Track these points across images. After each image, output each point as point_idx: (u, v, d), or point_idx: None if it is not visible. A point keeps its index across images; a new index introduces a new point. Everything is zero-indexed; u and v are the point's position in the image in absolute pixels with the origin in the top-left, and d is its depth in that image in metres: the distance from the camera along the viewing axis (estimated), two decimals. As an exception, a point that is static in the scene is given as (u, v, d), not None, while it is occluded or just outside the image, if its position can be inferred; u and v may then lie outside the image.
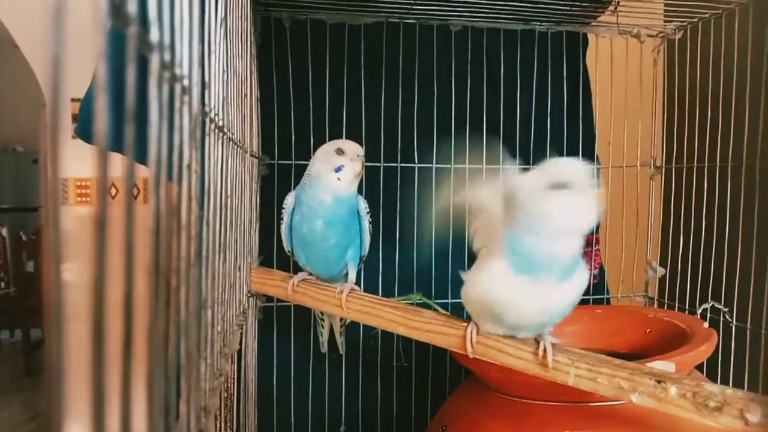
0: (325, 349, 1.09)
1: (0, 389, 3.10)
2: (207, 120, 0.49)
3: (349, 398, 1.23)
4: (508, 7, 1.13)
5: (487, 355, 0.69)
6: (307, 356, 1.22)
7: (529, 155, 1.28)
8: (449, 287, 1.26)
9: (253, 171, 0.96)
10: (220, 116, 0.56)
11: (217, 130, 0.54)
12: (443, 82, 1.24)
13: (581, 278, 0.64)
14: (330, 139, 0.96)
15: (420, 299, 1.13)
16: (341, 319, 1.05)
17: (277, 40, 1.18)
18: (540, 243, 0.61)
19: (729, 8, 1.12)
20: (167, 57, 0.29)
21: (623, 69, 1.24)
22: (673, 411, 0.57)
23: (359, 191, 0.91)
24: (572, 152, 1.29)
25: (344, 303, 0.82)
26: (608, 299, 1.34)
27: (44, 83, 0.20)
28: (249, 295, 0.90)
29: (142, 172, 0.31)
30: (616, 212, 1.29)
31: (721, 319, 1.12)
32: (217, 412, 0.57)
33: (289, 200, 0.89)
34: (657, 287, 1.30)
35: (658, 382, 0.58)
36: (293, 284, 0.87)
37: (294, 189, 0.92)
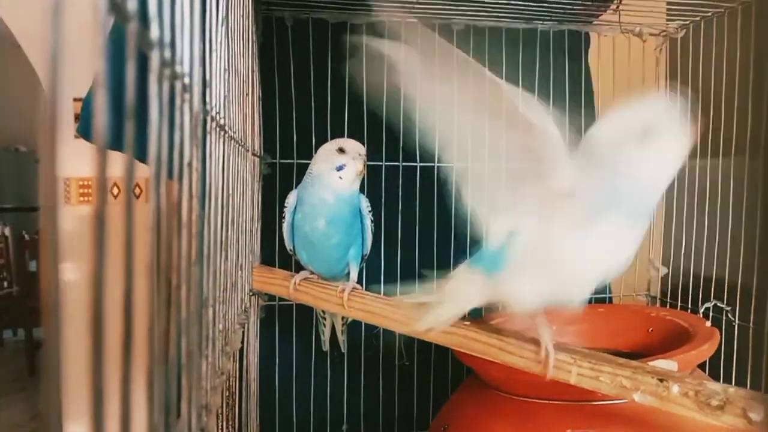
0: (326, 347, 1.09)
1: (2, 388, 3.10)
2: (208, 118, 0.49)
3: (351, 397, 1.23)
4: (511, 6, 1.13)
5: (488, 353, 0.69)
6: (309, 355, 1.22)
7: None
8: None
9: (254, 170, 0.96)
10: (222, 115, 0.56)
11: (218, 129, 0.54)
12: (445, 80, 1.24)
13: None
14: (332, 138, 0.96)
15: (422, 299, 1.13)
16: (343, 318, 1.05)
17: (279, 39, 1.18)
18: (641, 191, 0.60)
19: (732, 7, 1.12)
20: (167, 54, 0.29)
21: (625, 68, 1.23)
22: (676, 410, 0.57)
23: (361, 190, 0.91)
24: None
25: (346, 302, 0.82)
26: (610, 298, 1.34)
27: (45, 80, 0.20)
28: (251, 293, 0.90)
29: (144, 171, 0.31)
30: (618, 211, 1.29)
31: (724, 317, 1.12)
32: (219, 411, 0.57)
33: (291, 199, 0.89)
34: (659, 286, 1.30)
35: (661, 380, 0.58)
36: (295, 283, 0.87)
37: (296, 188, 0.92)
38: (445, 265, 1.25)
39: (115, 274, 0.25)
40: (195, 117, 0.36)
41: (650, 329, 0.99)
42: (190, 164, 0.35)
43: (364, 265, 0.96)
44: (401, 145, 1.22)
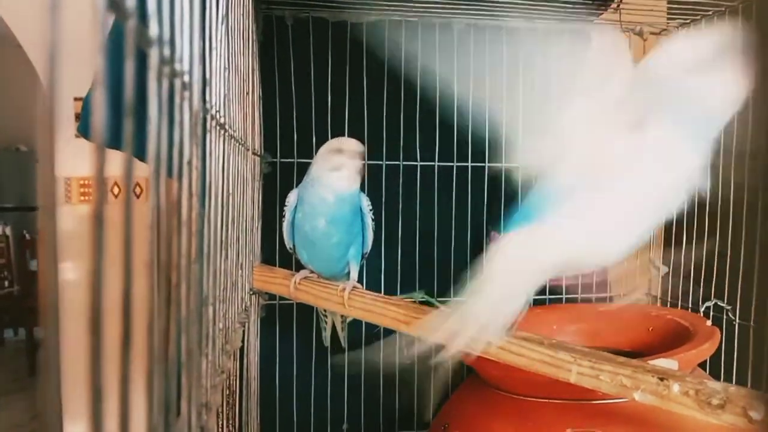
0: (327, 342, 1.09)
1: (3, 388, 3.10)
2: (208, 117, 0.49)
3: (351, 396, 1.23)
4: (511, 5, 1.13)
5: (488, 352, 0.69)
6: (310, 354, 1.22)
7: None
8: (451, 285, 1.25)
9: (255, 169, 0.96)
10: (222, 113, 0.56)
11: (218, 127, 0.54)
12: (445, 79, 1.24)
13: None
14: (332, 138, 0.96)
15: (422, 297, 1.13)
16: (342, 316, 1.05)
17: (279, 38, 1.18)
18: (702, 117, 0.59)
19: (732, 5, 1.12)
20: (167, 52, 0.29)
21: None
22: (676, 409, 0.57)
23: (361, 189, 0.91)
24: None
25: (346, 301, 0.82)
26: (611, 297, 1.34)
27: (44, 79, 0.20)
28: (251, 292, 0.90)
29: (145, 170, 0.31)
30: (618, 210, 1.29)
31: (724, 317, 1.12)
32: (219, 410, 0.57)
33: (292, 198, 0.89)
34: (660, 285, 1.30)
35: (661, 379, 0.58)
36: (295, 282, 0.87)
37: (296, 187, 0.92)
38: (445, 265, 1.26)
39: (114, 273, 0.25)
40: (195, 115, 0.36)
41: (650, 328, 0.99)
42: (189, 162, 0.35)
43: (365, 264, 0.96)
44: (401, 144, 1.22)
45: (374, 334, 1.22)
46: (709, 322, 0.92)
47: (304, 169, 0.91)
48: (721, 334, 0.88)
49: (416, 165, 1.22)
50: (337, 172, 0.84)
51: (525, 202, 0.68)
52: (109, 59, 0.25)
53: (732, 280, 1.11)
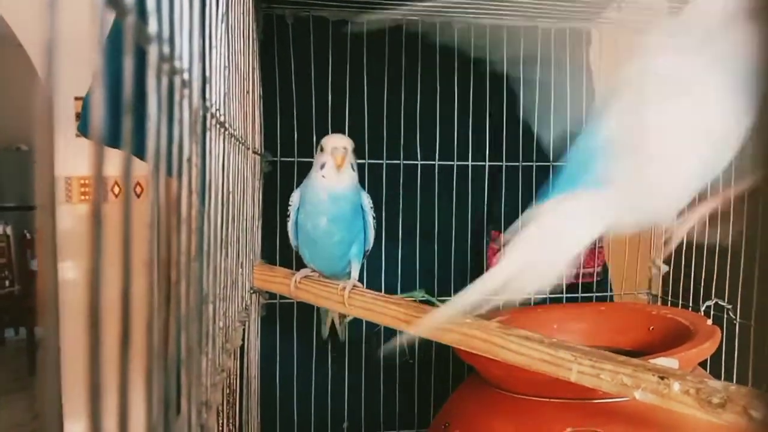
0: (325, 335, 1.09)
1: (3, 387, 3.10)
2: (208, 115, 0.49)
3: (351, 395, 1.23)
4: (512, 4, 1.13)
5: (489, 351, 0.69)
6: (310, 353, 1.22)
7: (532, 152, 1.28)
8: (452, 284, 1.26)
9: (255, 168, 0.96)
10: (222, 112, 0.56)
11: (218, 126, 0.54)
12: (446, 78, 1.24)
13: None
14: None
15: (423, 296, 1.13)
16: (341, 313, 1.04)
17: (280, 37, 1.18)
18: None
19: (733, 4, 1.11)
20: (166, 49, 0.29)
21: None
22: (677, 408, 0.57)
23: (361, 188, 0.91)
24: (575, 149, 1.28)
25: (347, 300, 0.82)
26: (611, 297, 1.34)
27: (43, 76, 0.20)
28: (251, 291, 0.90)
29: (145, 169, 0.31)
30: (619, 209, 1.29)
31: (725, 316, 1.12)
32: (219, 408, 0.57)
33: (295, 197, 0.90)
34: (661, 285, 1.30)
35: (662, 378, 0.58)
36: (296, 281, 0.87)
37: (297, 186, 0.92)
38: (445, 263, 1.26)
39: (114, 272, 0.25)
40: (194, 113, 0.36)
41: (651, 327, 0.99)
42: (189, 160, 0.35)
43: (365, 263, 0.96)
44: (402, 143, 1.22)
45: (375, 333, 1.22)
46: (709, 322, 0.92)
47: (304, 168, 0.91)
48: (722, 333, 0.88)
49: (417, 164, 1.22)
50: (321, 170, 0.84)
51: (567, 165, 0.67)
52: (109, 58, 0.25)
53: (733, 280, 1.11)
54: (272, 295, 1.10)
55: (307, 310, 1.16)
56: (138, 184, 1.53)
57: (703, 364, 0.92)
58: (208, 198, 0.48)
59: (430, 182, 1.24)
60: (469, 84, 1.24)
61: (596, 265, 1.30)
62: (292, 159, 1.17)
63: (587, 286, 1.30)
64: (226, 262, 0.60)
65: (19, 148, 4.94)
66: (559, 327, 1.04)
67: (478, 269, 1.29)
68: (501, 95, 1.26)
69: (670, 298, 1.26)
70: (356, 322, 1.10)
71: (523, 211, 1.24)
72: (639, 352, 0.91)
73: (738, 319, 1.11)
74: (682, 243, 1.20)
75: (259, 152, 1.03)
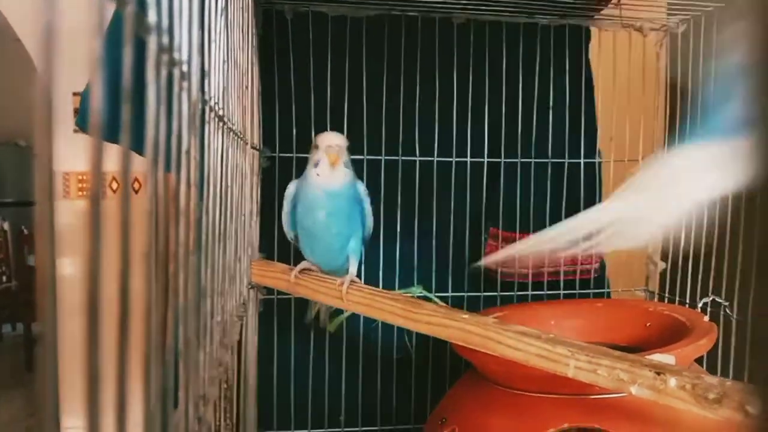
0: (308, 320, 1.09)
1: (1, 383, 3.10)
2: (207, 108, 0.49)
3: (348, 390, 1.23)
4: (512, 1, 1.13)
5: (486, 347, 0.69)
6: (308, 348, 1.22)
7: (531, 149, 1.28)
8: (449, 280, 1.26)
9: (253, 163, 0.96)
10: (220, 105, 0.56)
11: (217, 119, 0.53)
12: (445, 75, 1.24)
13: None
14: None
15: (421, 292, 1.13)
16: (328, 306, 1.04)
17: (279, 32, 1.18)
18: None
19: (732, 0, 1.12)
20: (165, 40, 0.29)
21: (626, 63, 1.23)
22: (673, 403, 0.57)
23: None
24: (574, 147, 1.29)
25: (345, 295, 0.82)
26: (609, 293, 1.34)
27: (41, 71, 0.20)
28: (249, 287, 0.90)
29: (143, 165, 0.31)
30: (617, 206, 1.29)
31: (722, 312, 1.12)
32: (217, 402, 0.57)
33: (291, 188, 0.90)
34: (658, 281, 1.30)
35: (658, 374, 0.58)
36: (295, 274, 0.88)
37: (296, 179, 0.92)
38: (443, 259, 1.26)
39: (112, 265, 0.25)
40: (193, 105, 0.36)
41: (648, 324, 0.99)
42: (188, 152, 0.35)
43: (363, 258, 0.96)
44: (401, 139, 1.22)
45: (372, 328, 1.22)
46: (706, 318, 0.93)
47: (302, 163, 0.91)
48: (719, 329, 0.88)
49: (415, 160, 1.22)
50: (315, 167, 0.84)
51: (711, 119, 0.64)
52: (108, 51, 0.25)
53: (730, 277, 1.11)
54: (270, 291, 1.10)
55: (304, 306, 1.16)
56: (136, 179, 1.53)
57: (699, 361, 0.92)
58: (206, 191, 0.48)
59: (429, 178, 1.24)
60: (468, 80, 1.24)
61: (594, 261, 1.30)
62: (291, 155, 1.17)
63: (585, 282, 1.30)
64: (224, 256, 0.60)
65: (18, 144, 4.93)
66: (556, 323, 1.04)
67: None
68: (500, 91, 1.26)
69: (667, 295, 1.26)
70: (354, 318, 1.10)
71: (521, 207, 1.25)
72: (636, 348, 0.91)
73: (735, 316, 1.11)
74: (679, 240, 1.20)
75: (257, 147, 1.03)
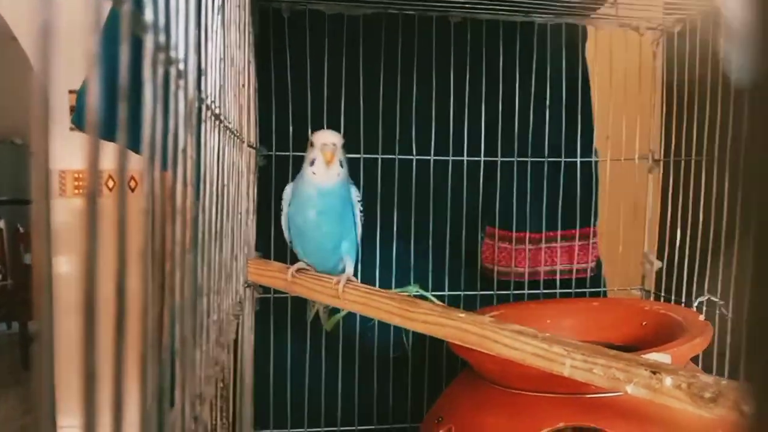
0: (309, 319, 1.09)
1: (-3, 381, 3.09)
2: (203, 107, 0.48)
3: (345, 389, 1.23)
4: None
5: (482, 345, 0.69)
6: (304, 347, 1.22)
7: (527, 148, 1.28)
8: (446, 279, 1.26)
9: (250, 162, 0.95)
10: (217, 104, 0.56)
11: (213, 118, 0.53)
12: (442, 74, 1.24)
13: None
14: None
15: (417, 291, 1.13)
16: (326, 306, 1.04)
17: (276, 30, 1.18)
18: None
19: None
20: (162, 39, 0.29)
21: (622, 62, 1.23)
22: (669, 402, 0.58)
23: (357, 183, 0.91)
24: (570, 145, 1.29)
25: (341, 293, 0.82)
26: (605, 292, 1.34)
27: (38, 69, 0.20)
28: (246, 285, 0.89)
29: (139, 164, 0.30)
30: (613, 205, 1.29)
31: (717, 311, 1.13)
32: (213, 401, 0.57)
33: (288, 192, 0.90)
34: (654, 280, 1.31)
35: (654, 373, 0.58)
36: (292, 273, 0.88)
37: (292, 180, 0.92)
38: (440, 258, 1.26)
39: (109, 263, 0.25)
40: (190, 104, 0.36)
41: (644, 323, 0.99)
42: (184, 150, 0.35)
43: (360, 257, 0.96)
44: (398, 138, 1.22)
45: (369, 327, 1.22)
46: (702, 317, 0.93)
47: (299, 162, 0.91)
48: (714, 328, 0.89)
49: (412, 159, 1.22)
50: (311, 166, 0.84)
51: None
52: (105, 49, 0.24)
53: (725, 275, 1.12)
54: (266, 289, 1.10)
55: (301, 305, 1.16)
56: (132, 178, 1.53)
57: (695, 360, 0.93)
58: (202, 190, 0.48)
59: (426, 177, 1.24)
60: (465, 79, 1.24)
61: (590, 260, 1.30)
62: (287, 153, 1.17)
63: (581, 281, 1.30)
64: (221, 255, 0.60)
65: (14, 142, 4.91)
66: (553, 322, 1.04)
67: (472, 264, 1.29)
68: (497, 90, 1.26)
69: (663, 294, 1.26)
70: (350, 316, 1.10)
71: (518, 206, 1.25)
72: (632, 347, 0.91)
73: (730, 315, 1.11)
74: (675, 239, 1.20)
75: (254, 146, 1.03)
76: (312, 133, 0.88)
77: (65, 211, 1.84)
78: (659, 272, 1.29)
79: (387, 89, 1.22)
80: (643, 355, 0.67)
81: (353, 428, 1.24)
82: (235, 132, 0.73)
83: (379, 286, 0.86)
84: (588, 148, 1.31)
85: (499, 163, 1.27)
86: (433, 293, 1.11)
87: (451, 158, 1.24)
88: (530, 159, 1.28)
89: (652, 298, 1.28)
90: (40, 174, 0.21)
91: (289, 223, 0.90)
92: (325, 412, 1.23)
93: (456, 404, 0.91)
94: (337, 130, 0.96)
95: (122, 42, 0.24)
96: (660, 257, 1.29)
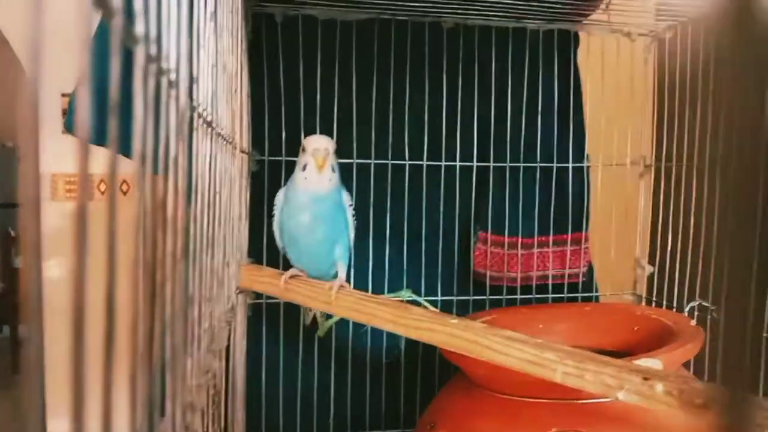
0: (308, 322, 1.09)
1: (-14, 385, 3.07)
2: (195, 115, 0.48)
3: (337, 395, 1.23)
4: (501, 5, 1.13)
5: (474, 352, 0.69)
6: (296, 353, 1.21)
7: (519, 153, 1.28)
8: (439, 284, 1.26)
9: (242, 167, 0.95)
10: (209, 111, 0.55)
11: (205, 125, 0.53)
12: (434, 79, 1.24)
13: None
14: None
15: (410, 296, 1.13)
16: (323, 312, 1.04)
17: (269, 35, 1.18)
18: None
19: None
20: (153, 50, 0.29)
21: (614, 68, 1.24)
22: (660, 408, 0.58)
23: (349, 188, 0.91)
24: (562, 151, 1.29)
25: (334, 299, 0.82)
26: (597, 297, 1.35)
27: (29, 73, 0.20)
28: (238, 291, 0.89)
29: (131, 167, 0.30)
30: (605, 211, 1.30)
31: (709, 317, 1.13)
32: (205, 409, 0.56)
33: (280, 197, 0.90)
34: (646, 285, 1.31)
35: (645, 379, 0.58)
36: (285, 279, 0.87)
37: (284, 186, 0.92)
38: (432, 263, 1.26)
39: (100, 271, 0.25)
40: (181, 113, 0.36)
41: (636, 328, 1.00)
42: (175, 160, 0.35)
43: (353, 262, 0.96)
44: (390, 143, 1.22)
45: (362, 333, 1.22)
46: (693, 322, 0.93)
47: (292, 167, 0.91)
48: (706, 334, 0.89)
49: (405, 164, 1.23)
50: (303, 171, 0.84)
51: None
52: (96, 56, 0.24)
53: (717, 281, 1.12)
54: (258, 295, 1.09)
55: (293, 310, 1.15)
56: (124, 181, 1.53)
57: (687, 365, 0.93)
58: (194, 198, 0.48)
59: (418, 182, 1.24)
60: (458, 84, 1.24)
61: (582, 265, 1.31)
62: (280, 158, 1.17)
63: (573, 286, 1.31)
64: (213, 262, 0.60)
65: (5, 145, 4.89)
66: (545, 327, 1.05)
67: (465, 269, 1.29)
68: (489, 96, 1.26)
69: (654, 299, 1.27)
70: (343, 322, 1.10)
71: (510, 211, 1.26)
72: (623, 352, 0.91)
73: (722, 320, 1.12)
74: (667, 244, 1.21)
75: (246, 151, 1.03)
76: (304, 138, 0.88)
77: (57, 215, 1.83)
78: (651, 277, 1.29)
79: (380, 94, 1.22)
80: (634, 361, 0.67)
81: (346, 434, 1.24)
82: (228, 138, 0.73)
83: (372, 292, 0.86)
84: (580, 154, 1.31)
85: (491, 168, 1.27)
86: (426, 298, 1.11)
87: (443, 163, 1.25)
88: (522, 164, 1.28)
89: (644, 303, 1.29)
90: (29, 178, 0.21)
91: (281, 229, 0.90)
92: (317, 418, 1.23)
93: (448, 410, 0.91)
94: (330, 135, 0.96)
95: (112, 53, 0.24)
96: (652, 262, 1.29)
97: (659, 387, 0.57)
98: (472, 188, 1.27)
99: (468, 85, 1.25)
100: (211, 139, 0.57)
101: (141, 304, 0.31)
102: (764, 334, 1.06)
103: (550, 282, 1.29)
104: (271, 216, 0.92)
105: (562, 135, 1.30)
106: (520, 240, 1.27)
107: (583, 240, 1.31)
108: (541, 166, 1.29)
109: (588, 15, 1.24)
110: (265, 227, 1.08)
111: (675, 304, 1.19)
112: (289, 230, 0.88)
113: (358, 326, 1.19)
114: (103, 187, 1.60)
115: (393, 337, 1.22)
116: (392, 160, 1.22)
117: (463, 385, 0.91)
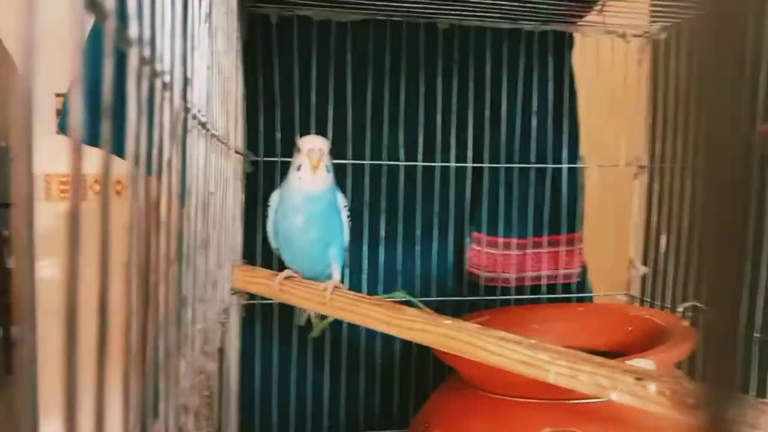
0: (302, 322, 1.08)
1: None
2: (189, 116, 0.48)
3: (331, 396, 1.23)
4: (496, 6, 1.13)
5: (468, 352, 0.70)
6: (290, 354, 1.21)
7: (514, 154, 1.28)
8: (433, 285, 1.26)
9: (237, 168, 0.95)
10: (203, 112, 0.55)
11: (199, 127, 0.53)
12: (429, 80, 1.24)
13: None
14: None
15: (404, 297, 1.13)
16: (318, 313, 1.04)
17: (264, 36, 1.18)
18: None
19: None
20: (147, 52, 0.29)
21: (609, 69, 1.24)
22: (653, 408, 0.58)
23: (344, 189, 0.91)
24: (557, 151, 1.30)
25: (328, 300, 0.82)
26: (591, 297, 1.35)
27: (22, 72, 0.20)
28: (231, 292, 0.89)
29: (125, 167, 0.30)
30: (599, 211, 1.30)
31: (701, 317, 1.13)
32: (198, 411, 0.56)
33: (274, 198, 0.90)
34: (639, 286, 1.32)
35: (638, 379, 0.59)
36: (279, 281, 0.87)
37: (279, 186, 0.92)
38: (427, 264, 1.26)
39: (93, 272, 0.25)
40: (175, 115, 0.36)
41: (629, 328, 1.00)
42: (169, 162, 0.35)
43: (348, 262, 0.96)
44: (385, 144, 1.23)
45: (356, 334, 1.22)
46: (686, 323, 0.94)
47: (287, 168, 0.91)
48: (699, 334, 0.89)
49: (399, 165, 1.23)
50: (297, 171, 0.84)
51: None
52: (90, 57, 0.24)
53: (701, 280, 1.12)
54: (252, 296, 1.09)
55: (287, 312, 1.15)
56: (118, 182, 1.53)
57: (680, 365, 0.93)
58: (188, 199, 0.48)
59: (413, 183, 1.24)
60: (452, 85, 1.25)
61: (576, 266, 1.31)
62: (275, 159, 1.17)
63: (567, 286, 1.31)
64: (207, 263, 0.60)
65: (-2, 144, 4.87)
66: (539, 327, 1.05)
67: (459, 269, 1.30)
68: (483, 97, 1.27)
69: (648, 299, 1.27)
70: (337, 323, 1.10)
71: (504, 212, 1.26)
72: (617, 352, 0.92)
73: (714, 321, 1.12)
74: (660, 245, 1.21)
75: (241, 152, 1.03)
76: (299, 138, 0.88)
77: (50, 215, 1.83)
78: (645, 277, 1.29)
79: (375, 95, 1.22)
80: (627, 362, 0.68)
81: (340, 434, 1.24)
82: (222, 139, 0.73)
83: (366, 292, 0.86)
84: (574, 155, 1.31)
85: (486, 169, 1.27)
86: (420, 299, 1.11)
87: (438, 164, 1.25)
88: (517, 165, 1.28)
89: (637, 304, 1.29)
90: (22, 178, 0.21)
91: (276, 230, 0.90)
92: (311, 419, 1.23)
93: (442, 411, 0.91)
94: (325, 135, 0.96)
95: (106, 56, 0.24)
96: (645, 263, 1.30)
97: (652, 387, 0.58)
98: (467, 189, 1.28)
99: (463, 86, 1.25)
100: (206, 140, 0.57)
101: (134, 304, 0.31)
102: (756, 335, 1.07)
103: (544, 282, 1.29)
104: (265, 217, 0.92)
105: (557, 136, 1.30)
106: (514, 241, 1.28)
107: (577, 240, 1.31)
108: (535, 167, 1.29)
109: (583, 16, 1.24)
110: (260, 228, 1.07)
111: (669, 305, 1.20)
112: (283, 231, 0.88)
113: (352, 326, 1.19)
114: (96, 187, 1.60)
115: (388, 338, 1.22)
116: (387, 160, 1.22)
117: (456, 385, 0.91)
